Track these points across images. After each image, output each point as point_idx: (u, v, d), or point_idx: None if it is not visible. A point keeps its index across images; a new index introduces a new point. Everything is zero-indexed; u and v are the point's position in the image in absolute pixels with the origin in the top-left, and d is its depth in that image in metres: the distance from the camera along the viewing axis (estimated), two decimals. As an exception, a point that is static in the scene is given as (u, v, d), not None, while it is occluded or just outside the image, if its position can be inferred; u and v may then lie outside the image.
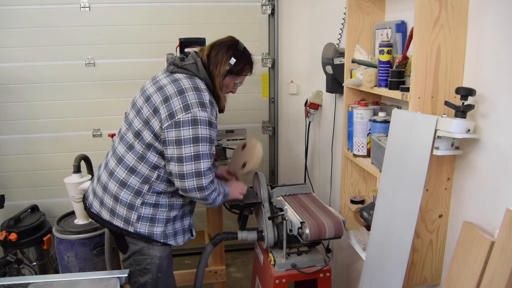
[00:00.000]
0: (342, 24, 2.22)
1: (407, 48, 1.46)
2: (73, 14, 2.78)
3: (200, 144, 1.57)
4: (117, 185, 1.66)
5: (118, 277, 1.33)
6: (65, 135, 2.96)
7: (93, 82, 2.90)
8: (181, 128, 1.56)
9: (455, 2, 1.27)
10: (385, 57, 1.55)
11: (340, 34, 2.27)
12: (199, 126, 1.57)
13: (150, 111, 1.62)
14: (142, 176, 1.64)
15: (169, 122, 1.56)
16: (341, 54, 2.08)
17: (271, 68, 3.10)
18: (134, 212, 1.65)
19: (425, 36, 1.29)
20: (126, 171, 1.65)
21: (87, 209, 1.77)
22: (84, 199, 1.81)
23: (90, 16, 2.81)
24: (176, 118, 1.56)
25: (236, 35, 2.97)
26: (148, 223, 1.66)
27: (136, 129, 1.65)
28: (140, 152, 1.64)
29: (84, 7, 2.78)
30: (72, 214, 2.58)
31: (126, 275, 1.35)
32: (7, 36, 2.76)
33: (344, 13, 1.91)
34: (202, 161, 1.58)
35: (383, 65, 1.56)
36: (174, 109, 1.57)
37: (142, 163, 1.64)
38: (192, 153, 1.56)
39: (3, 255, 2.46)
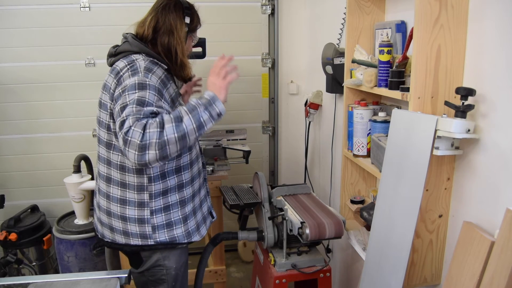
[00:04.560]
0: (342, 24, 2.22)
1: (407, 48, 1.46)
2: (73, 14, 2.78)
3: (127, 108, 1.32)
4: (119, 205, 1.52)
5: (118, 277, 1.33)
6: (65, 135, 2.96)
7: (93, 82, 2.89)
8: (116, 103, 1.38)
9: (455, 2, 1.27)
10: (385, 57, 1.55)
11: (340, 34, 2.27)
12: (127, 93, 1.35)
13: (107, 113, 1.48)
14: (134, 187, 1.49)
15: (114, 106, 1.40)
16: (341, 54, 2.08)
17: (271, 68, 3.10)
18: (146, 225, 1.52)
19: (425, 36, 1.29)
20: (119, 188, 1.51)
21: (101, 240, 1.65)
22: (95, 231, 1.69)
23: (90, 16, 2.80)
24: (115, 96, 1.41)
25: (236, 35, 3.01)
26: (166, 229, 1.53)
27: (105, 140, 1.51)
28: (118, 163, 1.49)
29: (84, 7, 2.78)
30: (72, 214, 2.58)
31: (126, 275, 1.35)
32: (7, 36, 2.76)
33: (344, 13, 1.91)
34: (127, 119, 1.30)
35: (383, 65, 1.56)
36: (115, 92, 1.42)
37: (126, 173, 1.49)
38: (119, 121, 1.32)
39: (3, 255, 2.46)
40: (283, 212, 1.86)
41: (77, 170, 2.44)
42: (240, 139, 2.57)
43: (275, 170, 3.27)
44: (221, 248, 2.44)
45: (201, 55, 2.28)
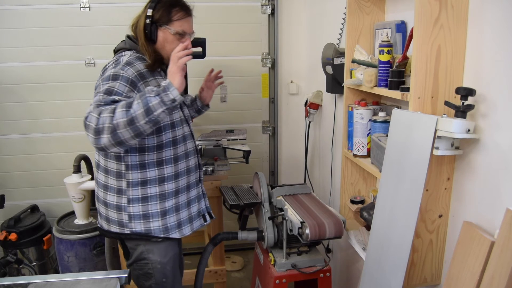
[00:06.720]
0: (342, 24, 2.22)
1: (407, 48, 1.46)
2: (73, 14, 2.78)
3: (96, 96, 1.43)
4: (102, 190, 1.61)
5: (118, 277, 1.33)
6: (65, 135, 2.96)
7: (93, 82, 2.87)
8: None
9: (455, 2, 1.27)
10: (385, 57, 1.55)
11: (340, 34, 2.27)
12: (101, 83, 1.47)
13: None
14: (114, 173, 1.57)
15: None
16: (341, 54, 2.08)
17: (271, 68, 3.10)
18: (123, 212, 1.57)
19: (425, 36, 1.29)
20: (104, 174, 1.60)
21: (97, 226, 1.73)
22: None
23: (90, 16, 2.80)
24: (95, 86, 1.54)
25: (236, 35, 3.02)
26: (142, 220, 1.57)
27: None
28: None
29: (84, 7, 2.78)
30: (72, 214, 2.58)
31: (126, 275, 1.35)
32: (7, 36, 2.76)
33: (344, 13, 1.91)
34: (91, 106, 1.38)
35: (383, 65, 1.56)
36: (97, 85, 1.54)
37: (108, 159, 1.58)
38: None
39: (3, 255, 2.46)
40: (283, 212, 1.86)
41: (77, 170, 2.44)
42: (240, 139, 2.57)
43: (275, 170, 3.27)
44: (221, 248, 2.44)
45: (201, 55, 2.28)
